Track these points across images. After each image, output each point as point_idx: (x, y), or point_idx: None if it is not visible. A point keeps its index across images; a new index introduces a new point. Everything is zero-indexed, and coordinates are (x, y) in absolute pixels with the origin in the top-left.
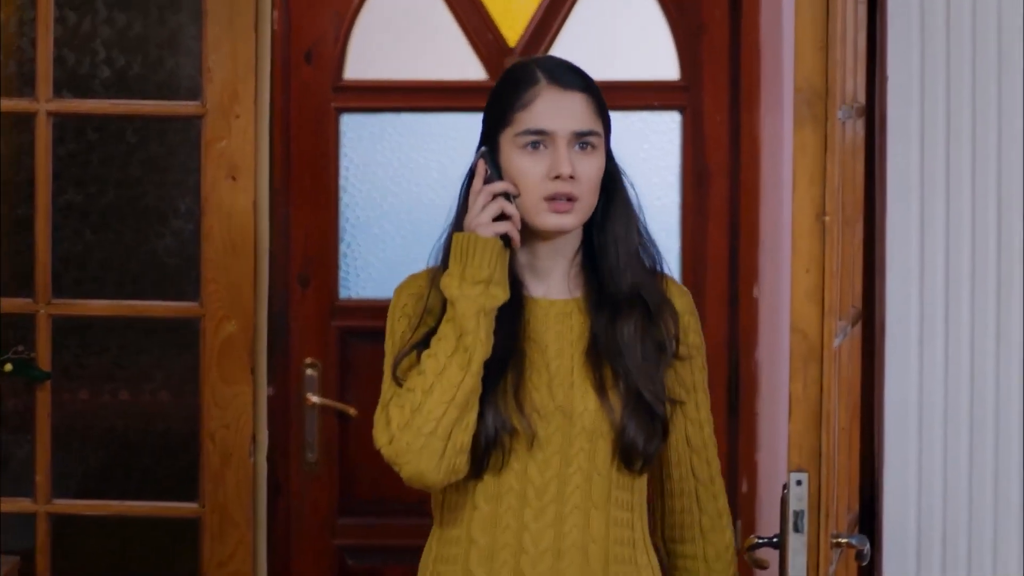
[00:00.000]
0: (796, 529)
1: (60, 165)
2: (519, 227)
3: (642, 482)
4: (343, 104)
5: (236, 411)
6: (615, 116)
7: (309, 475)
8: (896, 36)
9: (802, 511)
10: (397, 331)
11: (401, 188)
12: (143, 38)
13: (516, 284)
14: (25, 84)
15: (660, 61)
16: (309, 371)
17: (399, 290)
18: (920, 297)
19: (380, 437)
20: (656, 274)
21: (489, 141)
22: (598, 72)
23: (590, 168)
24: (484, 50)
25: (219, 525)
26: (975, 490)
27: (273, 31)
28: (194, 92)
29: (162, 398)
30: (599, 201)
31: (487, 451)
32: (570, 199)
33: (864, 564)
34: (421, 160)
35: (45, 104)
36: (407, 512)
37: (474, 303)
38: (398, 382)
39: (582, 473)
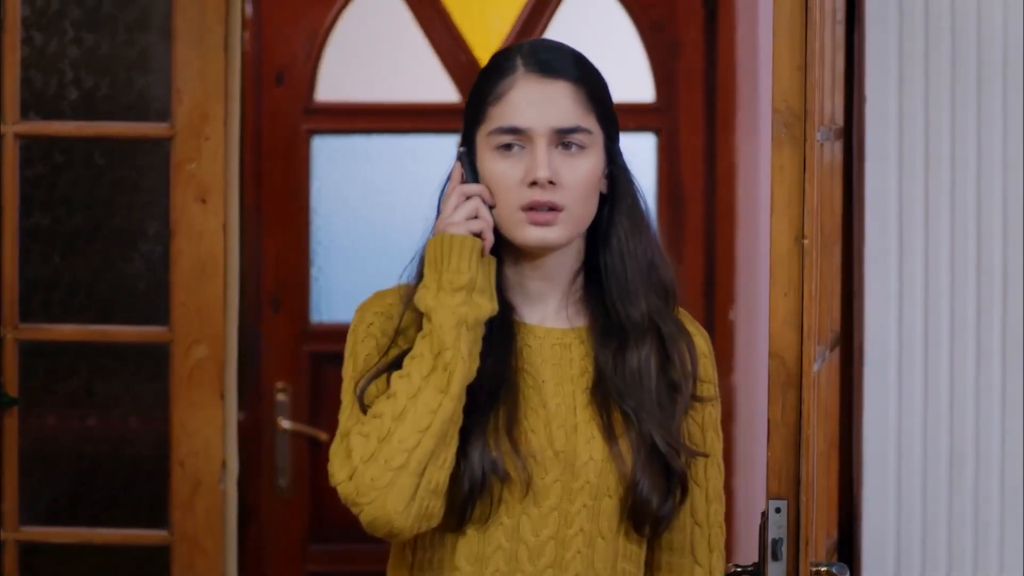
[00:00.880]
0: (775, 557)
1: (27, 188)
2: (491, 238)
3: (644, 551)
4: (314, 126)
5: (206, 437)
6: None
7: (280, 501)
8: (874, 57)
9: (781, 539)
10: (361, 353)
11: (373, 210)
12: (111, 59)
13: (506, 307)
14: None
15: (635, 82)
16: (280, 395)
17: (363, 308)
18: (899, 321)
19: (338, 472)
20: (670, 304)
21: (467, 140)
22: None
23: (576, 172)
24: (456, 71)
25: (189, 552)
26: (954, 516)
27: (244, 52)
28: (163, 114)
29: (131, 424)
30: (603, 213)
31: (471, 497)
32: (552, 208)
33: None
34: (393, 182)
35: (12, 127)
36: (379, 539)
37: (453, 313)
38: (363, 409)
39: (584, 536)
